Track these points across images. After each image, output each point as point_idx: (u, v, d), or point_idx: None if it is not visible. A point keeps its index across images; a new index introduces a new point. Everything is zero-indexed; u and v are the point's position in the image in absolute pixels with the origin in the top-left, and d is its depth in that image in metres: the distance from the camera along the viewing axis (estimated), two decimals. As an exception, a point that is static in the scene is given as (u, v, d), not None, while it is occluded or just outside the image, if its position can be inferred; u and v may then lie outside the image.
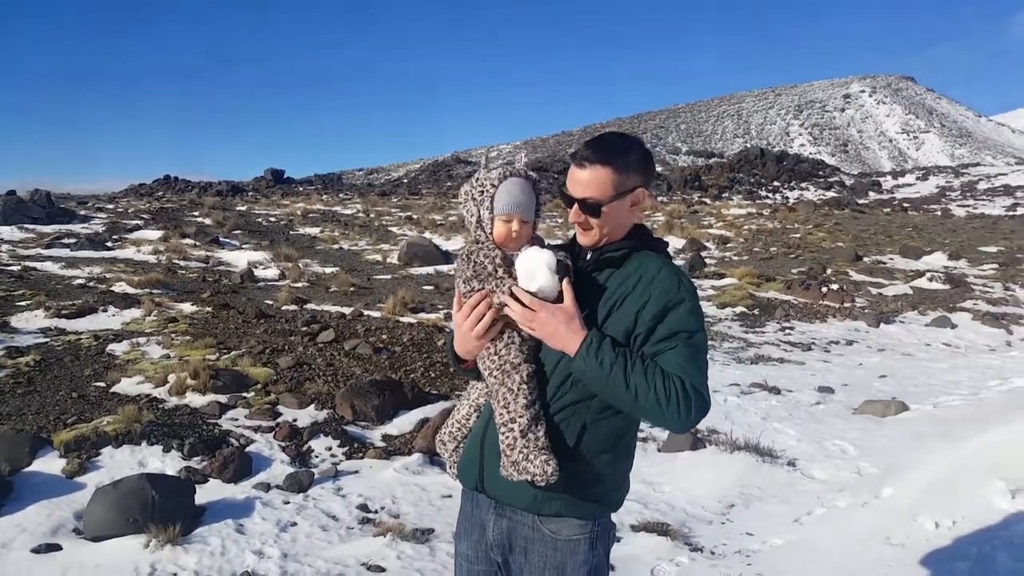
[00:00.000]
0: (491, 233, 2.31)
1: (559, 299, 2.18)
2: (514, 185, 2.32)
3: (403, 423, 7.35)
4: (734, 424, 7.52)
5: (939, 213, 37.49)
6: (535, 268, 2.17)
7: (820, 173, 64.42)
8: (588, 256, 2.36)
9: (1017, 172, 64.73)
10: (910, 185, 63.03)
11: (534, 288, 2.17)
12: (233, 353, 9.13)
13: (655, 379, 2.07)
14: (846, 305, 15.19)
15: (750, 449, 6.66)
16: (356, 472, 6.30)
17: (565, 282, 2.19)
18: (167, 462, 6.09)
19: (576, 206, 2.26)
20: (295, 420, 7.16)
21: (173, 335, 10.05)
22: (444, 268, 19.52)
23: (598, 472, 2.24)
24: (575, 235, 2.37)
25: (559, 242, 2.51)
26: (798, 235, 26.14)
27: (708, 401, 2.12)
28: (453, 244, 23.63)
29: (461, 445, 2.55)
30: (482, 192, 2.33)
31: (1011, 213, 37.80)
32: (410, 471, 6.26)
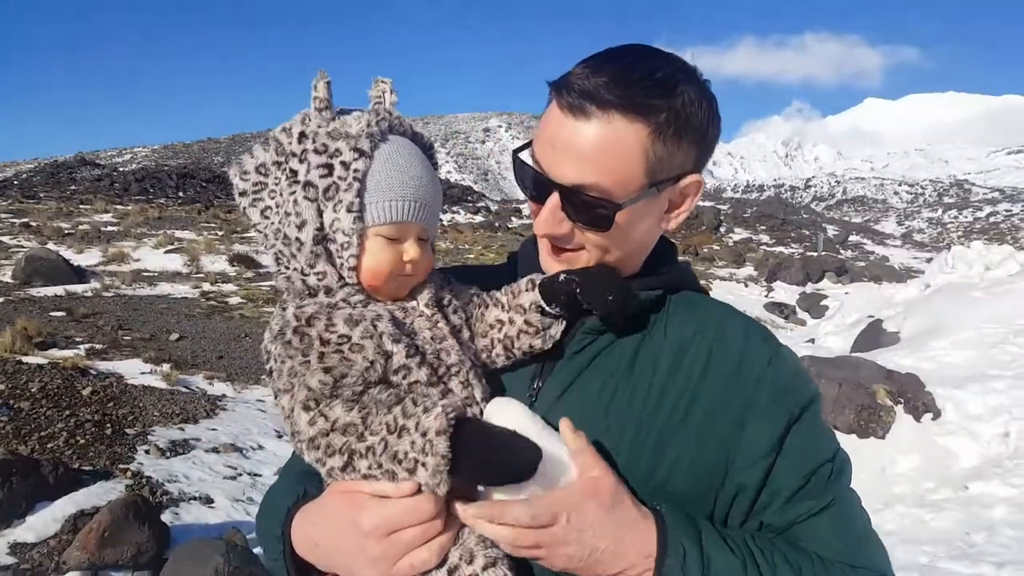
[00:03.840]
0: (353, 269, 1.19)
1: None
2: (409, 157, 1.24)
3: (45, 522, 5.21)
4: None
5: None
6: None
7: (469, 198, 67.86)
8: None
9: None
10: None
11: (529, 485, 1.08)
12: None
13: None
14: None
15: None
16: (-31, 620, 4.04)
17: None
18: None
19: (556, 199, 1.20)
20: None
21: None
22: (78, 288, 16.01)
23: None
24: (530, 243, 1.39)
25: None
26: (472, 256, 26.46)
27: None
28: (87, 258, 19.70)
29: None
30: (328, 169, 1.17)
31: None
32: (66, 606, 4.13)
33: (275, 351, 1.13)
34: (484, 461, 1.03)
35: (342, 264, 1.17)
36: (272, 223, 1.19)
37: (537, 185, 1.21)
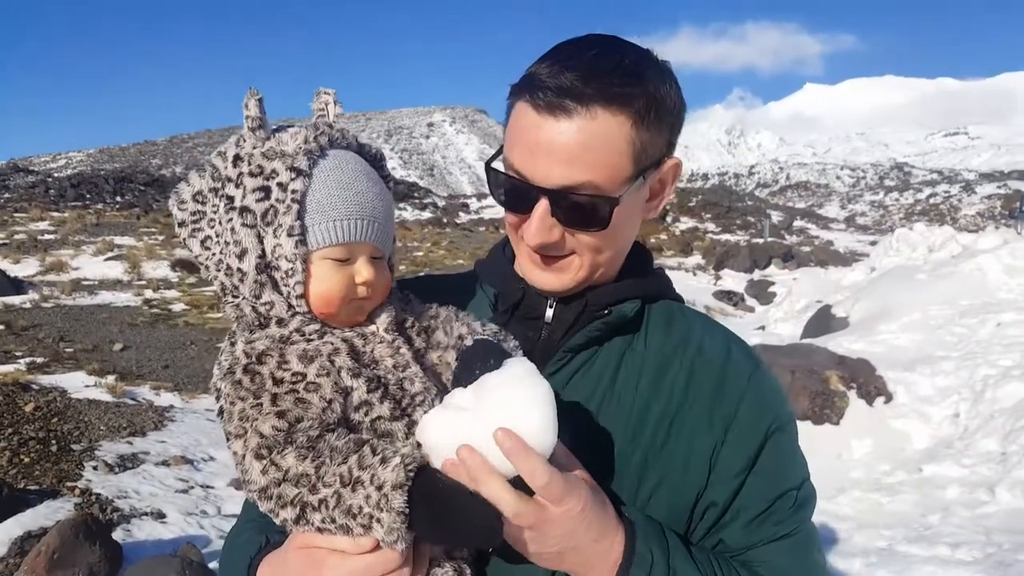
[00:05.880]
0: (301, 296, 1.11)
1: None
2: (353, 172, 1.15)
3: (-11, 548, 4.87)
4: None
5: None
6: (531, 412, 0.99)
7: (415, 195, 67.76)
8: (549, 314, 1.27)
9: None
10: (492, 207, 69.34)
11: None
12: None
13: None
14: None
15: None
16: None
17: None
18: None
19: (544, 206, 1.14)
20: None
21: None
22: (15, 300, 15.46)
23: None
24: (499, 250, 1.38)
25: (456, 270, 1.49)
26: (421, 253, 26.31)
27: None
28: (25, 268, 19.05)
29: None
30: (265, 192, 1.09)
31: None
32: (13, 638, 3.96)
33: (225, 390, 1.06)
34: (443, 524, 0.96)
35: (289, 293, 1.10)
36: (213, 254, 1.12)
37: (519, 194, 1.15)
